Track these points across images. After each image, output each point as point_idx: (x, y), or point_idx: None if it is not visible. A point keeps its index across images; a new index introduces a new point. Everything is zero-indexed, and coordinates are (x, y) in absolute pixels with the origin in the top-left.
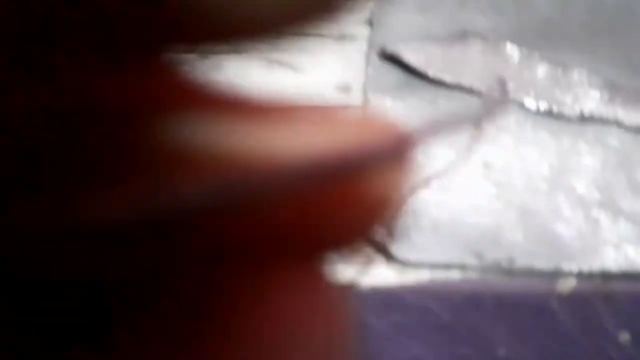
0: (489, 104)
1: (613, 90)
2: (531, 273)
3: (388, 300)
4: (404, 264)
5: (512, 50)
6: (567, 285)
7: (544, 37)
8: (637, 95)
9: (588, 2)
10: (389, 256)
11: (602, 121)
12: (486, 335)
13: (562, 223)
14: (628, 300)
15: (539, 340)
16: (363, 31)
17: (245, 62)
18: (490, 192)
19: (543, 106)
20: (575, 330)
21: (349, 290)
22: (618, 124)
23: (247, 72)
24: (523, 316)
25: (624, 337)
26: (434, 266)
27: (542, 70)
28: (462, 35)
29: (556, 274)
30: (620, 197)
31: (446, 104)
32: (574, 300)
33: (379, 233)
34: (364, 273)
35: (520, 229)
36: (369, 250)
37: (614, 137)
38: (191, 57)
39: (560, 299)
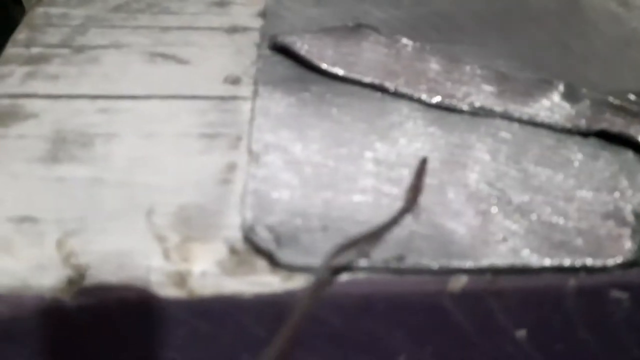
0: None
1: (504, 83)
2: (421, 271)
3: (274, 309)
4: (290, 269)
5: (405, 44)
6: (458, 283)
7: (438, 31)
8: (526, 89)
9: None
10: (274, 262)
11: (492, 114)
12: (383, 342)
13: (452, 219)
14: (519, 296)
15: (437, 343)
16: (256, 23)
17: (124, 56)
18: (380, 189)
19: (435, 100)
20: (472, 330)
21: (232, 300)
22: (508, 117)
23: (125, 66)
24: (418, 318)
25: (520, 333)
26: (321, 271)
27: (434, 63)
28: (355, 28)
29: (447, 272)
30: (510, 191)
31: (335, 98)
32: (467, 298)
33: (265, 239)
34: (248, 282)
35: (409, 226)
36: (253, 257)
37: (505, 130)
38: (65, 51)
39: (453, 298)
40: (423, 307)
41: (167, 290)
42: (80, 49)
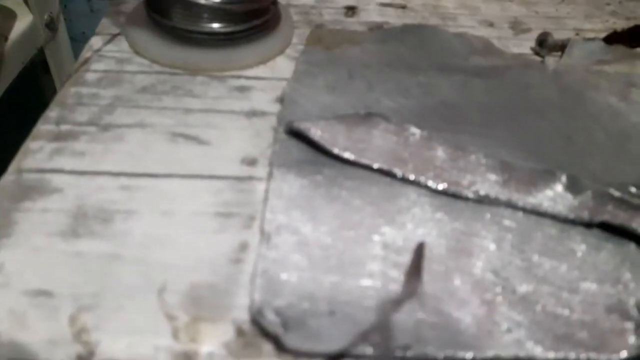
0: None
1: (508, 172)
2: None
3: None
4: (296, 354)
5: (413, 132)
6: None
7: (445, 120)
8: (530, 179)
9: (487, 86)
10: (280, 346)
11: (497, 203)
12: None
13: (458, 308)
14: None
15: None
16: (273, 108)
17: (148, 135)
18: (387, 274)
19: (441, 187)
20: None
21: None
22: (512, 205)
23: (148, 145)
24: None
25: None
26: (326, 356)
27: (441, 152)
28: (366, 116)
29: None
30: (514, 280)
31: (346, 181)
32: None
33: (272, 322)
34: None
35: (415, 314)
36: (259, 340)
37: (509, 219)
38: (93, 129)
39: None
40: None
41: None
42: (106, 127)
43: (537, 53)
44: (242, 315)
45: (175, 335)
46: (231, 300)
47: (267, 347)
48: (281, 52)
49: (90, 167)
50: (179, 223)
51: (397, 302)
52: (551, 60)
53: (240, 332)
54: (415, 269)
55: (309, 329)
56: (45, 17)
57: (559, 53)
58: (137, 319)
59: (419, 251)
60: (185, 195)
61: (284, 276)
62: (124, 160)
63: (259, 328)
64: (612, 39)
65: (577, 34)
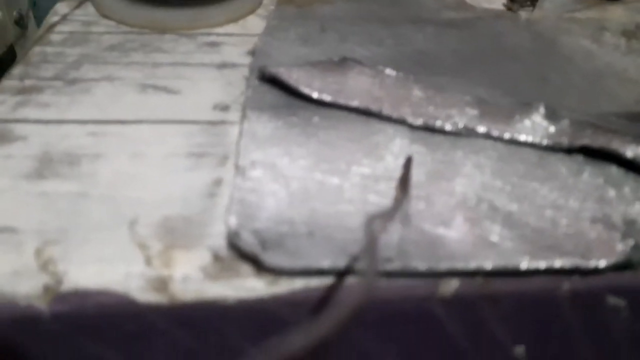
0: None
1: (486, 106)
2: (410, 274)
3: (259, 316)
4: (276, 272)
5: (389, 74)
6: (449, 287)
7: (420, 65)
8: (508, 111)
9: (460, 36)
10: (259, 265)
11: (476, 134)
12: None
13: (441, 225)
14: (512, 301)
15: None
16: (245, 60)
17: (116, 87)
18: (367, 200)
19: (418, 121)
20: (467, 344)
21: (215, 306)
22: (491, 137)
23: (117, 96)
24: (409, 330)
25: (519, 350)
26: (307, 273)
27: (417, 90)
28: (341, 61)
29: (436, 274)
30: (497, 200)
31: (322, 121)
32: (459, 304)
33: (250, 242)
34: (231, 286)
35: (397, 232)
36: (237, 263)
37: (489, 149)
38: (58, 83)
39: (444, 304)
40: (414, 315)
41: (148, 296)
42: (72, 82)
43: (509, 8)
44: (219, 242)
45: (148, 262)
46: (206, 229)
47: (246, 268)
48: (252, 11)
49: (55, 116)
50: (150, 164)
51: (386, 214)
52: (523, 13)
53: (217, 258)
54: (403, 182)
55: (288, 248)
56: (15, 14)
57: (531, 7)
58: (107, 249)
59: (407, 165)
60: (155, 139)
61: (261, 203)
62: (91, 109)
63: (237, 251)
64: None
65: None
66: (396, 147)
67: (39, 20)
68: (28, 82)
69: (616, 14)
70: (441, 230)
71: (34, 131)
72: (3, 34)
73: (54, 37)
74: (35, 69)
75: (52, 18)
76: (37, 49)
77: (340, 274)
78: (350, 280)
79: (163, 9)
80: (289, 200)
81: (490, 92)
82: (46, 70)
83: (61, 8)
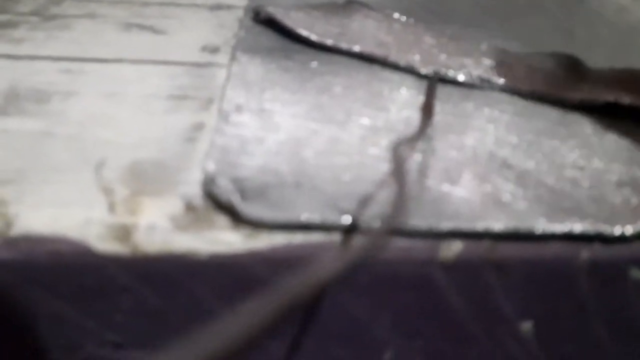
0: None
1: (503, 57)
2: (408, 233)
3: (233, 274)
4: (255, 225)
5: (397, 18)
6: (451, 250)
7: (433, 13)
8: (529, 62)
9: None
10: (236, 217)
11: (491, 86)
12: (367, 331)
13: (446, 182)
14: (522, 270)
15: (428, 334)
16: (242, 2)
17: (98, 25)
18: (365, 152)
19: (428, 70)
20: (468, 316)
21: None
22: (509, 89)
23: (97, 33)
24: (406, 298)
25: (525, 326)
26: (289, 226)
27: (428, 36)
28: (345, 4)
29: (438, 235)
30: (512, 158)
31: (321, 66)
32: (461, 270)
33: (227, 190)
34: (203, 239)
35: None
36: (211, 212)
37: (505, 102)
38: (35, 19)
39: (445, 269)
40: (411, 281)
41: (108, 245)
42: (51, 17)
43: None
44: (194, 190)
45: (111, 208)
46: (181, 176)
47: (222, 220)
48: None
49: (28, 51)
50: (125, 104)
51: (411, 140)
52: None
53: (189, 207)
54: (427, 108)
55: (271, 198)
56: None
57: None
58: (66, 192)
59: (430, 89)
60: (134, 79)
61: (244, 150)
62: (68, 46)
63: (212, 200)
64: None
65: None
66: (401, 97)
67: None
68: (3, 17)
69: None
70: (446, 187)
71: (2, 66)
72: None
73: None
74: (13, 3)
75: None
76: None
77: (328, 229)
78: (341, 237)
79: None
80: (276, 149)
81: (509, 44)
82: (24, 5)
83: None
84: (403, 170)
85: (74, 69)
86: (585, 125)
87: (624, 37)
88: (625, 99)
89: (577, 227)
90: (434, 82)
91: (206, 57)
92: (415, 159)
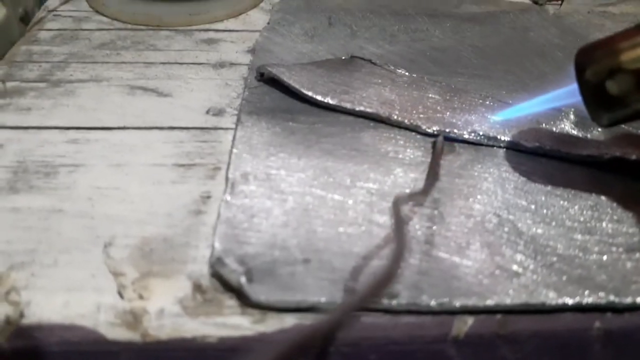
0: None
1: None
2: (419, 311)
3: (243, 355)
4: (263, 308)
5: (401, 73)
6: (463, 326)
7: (436, 64)
8: (534, 117)
9: (482, 30)
10: (243, 300)
11: (498, 143)
12: None
13: (455, 252)
14: (535, 342)
15: None
16: (245, 59)
17: (103, 89)
18: (372, 220)
19: (433, 129)
20: None
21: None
22: (515, 146)
23: (103, 98)
24: None
25: None
26: (299, 309)
27: (432, 92)
28: (348, 60)
29: (449, 312)
30: (520, 223)
31: (325, 127)
32: (474, 345)
33: (234, 271)
34: (213, 323)
35: (405, 259)
36: (220, 295)
37: (512, 161)
38: (42, 85)
39: (458, 345)
40: (424, 358)
41: (118, 332)
42: (57, 83)
43: (535, 1)
44: (201, 269)
45: (121, 292)
46: (189, 253)
47: (230, 302)
48: (255, 5)
49: (35, 122)
50: (132, 175)
51: (415, 196)
52: (551, 7)
53: (197, 288)
54: (433, 166)
55: (279, 278)
56: (20, 11)
57: (559, 1)
58: (76, 276)
59: (437, 148)
60: (141, 147)
61: (251, 224)
62: (74, 113)
63: (220, 280)
64: None
65: None
66: (407, 158)
67: None
68: (10, 85)
69: None
70: (455, 259)
71: (10, 138)
72: (7, 32)
73: (42, 34)
74: (19, 70)
75: (41, 14)
76: (22, 48)
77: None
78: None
79: (160, 3)
80: (284, 220)
81: (514, 95)
82: (30, 71)
83: (52, 3)
84: (402, 229)
85: (81, 138)
86: (592, 181)
87: None
88: (632, 155)
89: (588, 298)
90: (440, 143)
91: (211, 121)
92: (425, 227)
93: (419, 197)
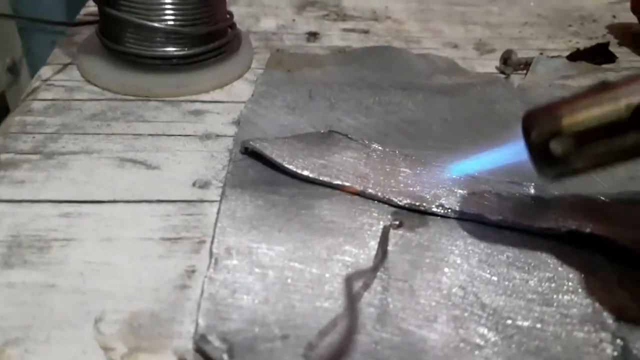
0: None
1: (474, 186)
2: None
3: None
4: None
5: (375, 148)
6: None
7: (408, 137)
8: (498, 190)
9: (451, 103)
10: None
11: (463, 217)
12: None
13: (423, 326)
14: None
15: None
16: (229, 131)
17: (94, 161)
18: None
19: (404, 202)
20: None
21: None
22: (480, 220)
23: (94, 171)
24: None
25: None
26: None
27: (404, 167)
28: (326, 134)
29: None
30: (484, 295)
31: (304, 200)
32: None
33: (217, 348)
34: None
35: (376, 333)
36: None
37: (476, 234)
38: (36, 157)
39: None
40: None
41: None
42: (50, 155)
43: (502, 72)
44: (186, 344)
45: None
46: (174, 328)
47: None
48: (240, 76)
49: (29, 195)
50: (121, 249)
51: (364, 273)
52: (516, 78)
53: None
54: (380, 251)
55: (259, 354)
56: (7, 61)
57: (524, 71)
58: (68, 352)
59: (384, 235)
60: (130, 221)
61: (233, 300)
62: (67, 187)
63: (203, 356)
64: (576, 56)
65: (541, 54)
66: (380, 231)
67: (32, 67)
68: (4, 157)
69: None
70: (423, 332)
71: (4, 212)
72: None
73: (35, 104)
74: (13, 141)
75: (35, 83)
76: (17, 119)
77: None
78: None
79: (148, 74)
80: (264, 295)
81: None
82: (24, 142)
83: (45, 72)
84: (353, 304)
85: (73, 212)
86: (549, 253)
87: None
88: (586, 228)
89: None
90: (387, 229)
91: (197, 194)
92: (397, 300)
93: (368, 273)
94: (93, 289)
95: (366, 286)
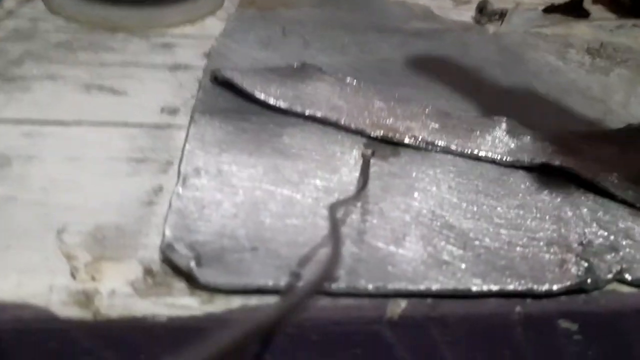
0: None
1: (446, 119)
2: (357, 294)
3: (191, 336)
4: (211, 290)
5: (349, 82)
6: (397, 308)
7: (383, 74)
8: (469, 125)
9: (427, 46)
10: (193, 282)
11: (435, 148)
12: None
13: (393, 243)
14: (463, 324)
15: None
16: (200, 62)
17: (58, 86)
18: (318, 213)
19: (377, 133)
20: None
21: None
22: (451, 151)
23: (58, 95)
24: (355, 352)
25: None
26: (245, 291)
27: (378, 100)
28: (300, 67)
29: (385, 294)
30: (453, 218)
31: (276, 128)
32: (407, 326)
33: (184, 256)
34: (162, 303)
35: (346, 249)
36: (170, 279)
37: (448, 164)
38: None
39: (392, 325)
40: (361, 338)
41: (70, 311)
42: (11, 79)
43: (477, 21)
44: (152, 255)
45: (73, 274)
46: (140, 240)
47: (179, 285)
48: (211, 13)
49: None
50: (86, 168)
51: (346, 201)
52: (491, 27)
53: (148, 272)
54: (362, 178)
55: (227, 263)
56: None
57: (499, 21)
58: (29, 259)
59: (365, 164)
60: (95, 142)
61: (201, 214)
62: (29, 108)
63: (170, 265)
64: (550, 9)
65: (516, 6)
66: (353, 159)
67: None
68: None
69: (581, 31)
70: (392, 248)
71: None
72: None
73: None
74: None
75: None
76: None
77: (281, 292)
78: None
79: (116, 6)
80: (233, 212)
81: (452, 105)
82: None
83: (9, 4)
84: (337, 230)
85: (35, 132)
86: (520, 184)
87: (557, 97)
88: (556, 161)
89: (510, 286)
90: (369, 157)
91: (165, 119)
92: (367, 220)
93: (351, 201)
94: (56, 203)
95: (348, 213)
